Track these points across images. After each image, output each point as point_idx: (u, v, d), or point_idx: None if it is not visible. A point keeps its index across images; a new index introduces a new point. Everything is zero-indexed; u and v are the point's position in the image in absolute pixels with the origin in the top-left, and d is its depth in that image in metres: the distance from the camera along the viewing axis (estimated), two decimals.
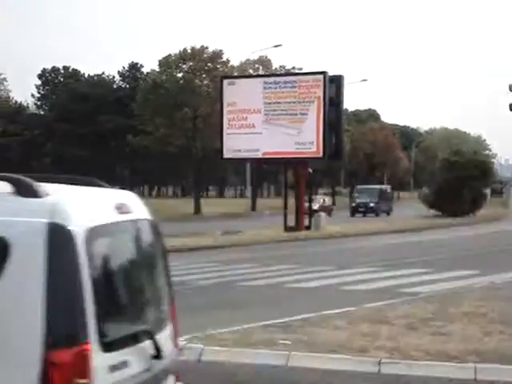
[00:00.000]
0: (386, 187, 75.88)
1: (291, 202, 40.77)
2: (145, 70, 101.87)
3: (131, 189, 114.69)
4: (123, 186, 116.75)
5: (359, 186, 75.38)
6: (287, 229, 38.35)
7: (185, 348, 9.70)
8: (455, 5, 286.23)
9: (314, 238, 35.32)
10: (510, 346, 9.61)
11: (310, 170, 41.62)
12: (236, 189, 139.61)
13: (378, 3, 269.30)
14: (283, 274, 19.61)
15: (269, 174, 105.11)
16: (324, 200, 64.61)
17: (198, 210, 68.47)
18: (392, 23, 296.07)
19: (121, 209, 4.45)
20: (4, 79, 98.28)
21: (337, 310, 12.53)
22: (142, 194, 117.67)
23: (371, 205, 65.96)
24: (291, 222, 38.93)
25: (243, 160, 48.12)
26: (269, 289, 16.94)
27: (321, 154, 38.20)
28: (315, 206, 51.75)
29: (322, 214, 41.30)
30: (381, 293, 15.60)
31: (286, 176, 43.84)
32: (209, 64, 70.23)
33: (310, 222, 39.28)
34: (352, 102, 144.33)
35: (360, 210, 65.61)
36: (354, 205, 68.06)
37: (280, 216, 41.74)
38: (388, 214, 66.45)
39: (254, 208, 74.48)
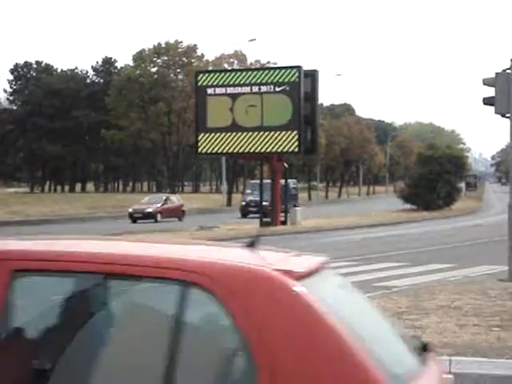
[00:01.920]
0: (289, 182, 63.22)
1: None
2: (119, 64, 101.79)
3: (105, 184, 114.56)
4: (98, 181, 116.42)
5: (252, 181, 65.46)
6: (263, 224, 38.43)
7: None
8: (428, 2, 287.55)
9: (290, 232, 35.39)
10: (484, 338, 9.69)
11: (286, 165, 41.70)
12: (212, 184, 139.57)
13: None
14: None
15: (244, 168, 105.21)
16: (167, 200, 51.92)
17: None
18: (366, 18, 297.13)
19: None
20: None
21: None
22: (115, 190, 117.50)
23: (265, 203, 52.31)
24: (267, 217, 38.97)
25: (218, 155, 48.09)
26: None
27: (296, 149, 38.31)
28: (150, 209, 48.85)
29: (299, 209, 41.33)
30: (355, 286, 15.63)
31: (261, 171, 43.94)
32: (183, 59, 70.34)
33: (285, 217, 39.36)
34: (327, 96, 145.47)
35: (251, 209, 53.46)
36: (243, 203, 55.63)
37: None
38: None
39: (229, 203, 74.51)
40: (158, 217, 48.64)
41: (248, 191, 58.22)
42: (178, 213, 50.53)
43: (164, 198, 52.36)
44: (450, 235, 33.95)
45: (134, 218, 48.38)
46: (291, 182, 56.49)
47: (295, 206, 51.21)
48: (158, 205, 49.66)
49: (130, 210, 49.50)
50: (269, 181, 58.95)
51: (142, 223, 45.95)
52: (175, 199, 53.06)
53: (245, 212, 54.02)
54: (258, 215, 48.01)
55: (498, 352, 8.89)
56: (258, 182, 58.48)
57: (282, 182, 54.40)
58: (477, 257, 22.32)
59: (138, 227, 40.60)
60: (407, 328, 10.38)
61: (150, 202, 50.89)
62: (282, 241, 31.14)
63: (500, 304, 12.42)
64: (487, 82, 15.79)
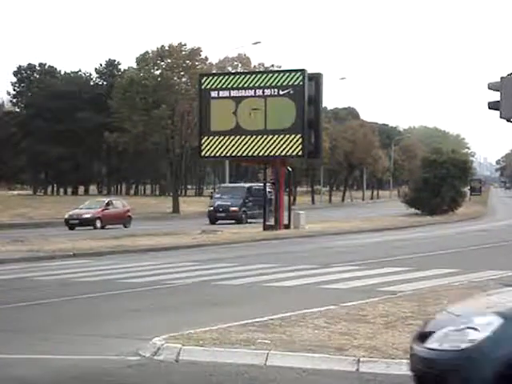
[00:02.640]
0: (261, 185, 54.53)
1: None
2: (122, 67, 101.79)
3: (108, 187, 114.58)
4: (101, 184, 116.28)
5: (223, 184, 61.06)
6: (266, 227, 38.34)
7: (162, 348, 9.63)
8: (433, 5, 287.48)
9: (293, 236, 35.31)
10: None
11: (289, 169, 41.62)
12: (215, 187, 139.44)
13: (357, 2, 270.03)
14: (262, 273, 19.54)
15: (248, 172, 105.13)
16: (109, 205, 46.85)
17: (176, 208, 68.31)
18: (370, 21, 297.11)
19: None
20: None
21: (316, 309, 12.47)
22: (119, 193, 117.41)
23: (233, 208, 50.20)
24: (270, 220, 38.89)
25: (222, 158, 47.98)
26: (248, 288, 16.87)
27: (300, 152, 38.22)
28: (88, 214, 44.51)
29: (302, 213, 41.23)
30: (360, 291, 15.57)
31: (265, 174, 43.81)
32: (187, 61, 70.11)
33: (289, 220, 39.28)
34: (331, 100, 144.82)
35: (220, 215, 49.82)
36: (211, 208, 50.85)
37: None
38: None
39: None
40: (98, 223, 44.14)
41: (217, 195, 53.81)
42: (122, 219, 46.07)
43: (105, 202, 47.52)
44: (454, 240, 33.81)
45: (70, 224, 44.03)
46: (268, 186, 52.24)
47: (271, 210, 47.54)
48: (98, 210, 45.28)
49: (66, 215, 45.24)
50: (240, 184, 58.73)
51: (113, 229, 42.47)
52: (119, 204, 48.25)
53: (213, 218, 49.65)
54: (227, 221, 47.97)
55: None
56: (227, 185, 58.25)
57: (255, 185, 53.01)
58: (482, 262, 22.19)
59: (136, 231, 40.42)
60: (412, 333, 10.28)
61: (90, 206, 46.29)
62: (285, 245, 31.09)
63: None
64: (492, 87, 15.67)
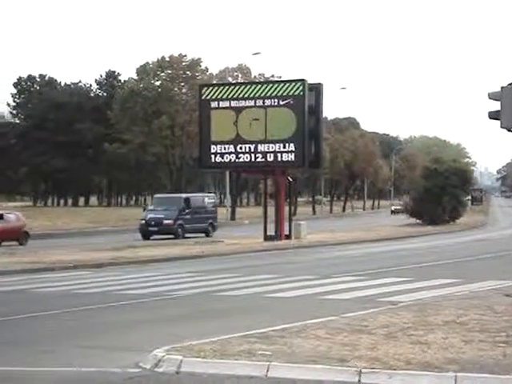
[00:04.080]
0: (203, 196, 52.17)
1: (271, 211, 40.69)
2: (122, 78, 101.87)
3: (108, 198, 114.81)
4: (101, 195, 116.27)
5: (157, 195, 54.83)
6: (267, 238, 38.30)
7: (163, 360, 9.59)
8: (433, 16, 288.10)
9: (294, 247, 35.29)
10: (490, 354, 9.56)
11: (290, 179, 41.59)
12: (216, 198, 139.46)
13: (357, 13, 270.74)
14: (263, 284, 19.50)
15: (248, 182, 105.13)
16: (1, 218, 39.47)
17: None
18: (371, 32, 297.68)
19: None
20: None
21: (317, 320, 12.43)
22: (119, 204, 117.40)
23: (166, 222, 44.34)
24: (271, 231, 38.87)
25: (222, 168, 47.92)
26: (248, 299, 16.83)
27: (300, 163, 38.23)
28: None
29: (303, 223, 41.19)
30: (361, 302, 15.53)
31: (265, 184, 43.79)
32: (187, 72, 70.32)
33: (290, 231, 39.22)
34: (331, 110, 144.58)
35: (152, 229, 44.05)
36: (143, 222, 44.90)
37: (260, 225, 41.69)
38: (207, 234, 45.93)
39: (233, 217, 74.46)
40: None
41: (150, 207, 48.53)
42: (15, 235, 39.49)
43: None
44: (455, 250, 33.77)
45: None
46: (207, 198, 50.30)
47: (213, 224, 46.83)
48: None
49: None
50: (177, 194, 52.43)
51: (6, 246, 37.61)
52: (13, 217, 40.98)
53: (145, 232, 44.15)
54: (162, 236, 43.12)
55: (504, 368, 8.77)
56: (162, 195, 53.22)
57: (195, 196, 48.90)
58: (483, 272, 22.16)
59: (136, 243, 40.33)
60: (413, 344, 10.26)
61: None
62: (286, 255, 31.05)
63: (506, 320, 12.29)
64: (492, 96, 15.65)
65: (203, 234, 45.44)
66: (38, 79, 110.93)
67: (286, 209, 40.23)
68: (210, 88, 40.64)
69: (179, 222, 44.56)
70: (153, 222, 44.03)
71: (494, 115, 15.67)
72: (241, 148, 38.16)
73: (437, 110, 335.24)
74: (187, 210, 45.28)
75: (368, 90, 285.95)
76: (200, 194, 53.42)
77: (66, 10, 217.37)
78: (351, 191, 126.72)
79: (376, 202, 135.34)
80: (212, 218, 47.44)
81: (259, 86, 40.43)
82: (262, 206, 46.04)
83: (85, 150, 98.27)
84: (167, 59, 70.00)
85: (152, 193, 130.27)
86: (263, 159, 37.92)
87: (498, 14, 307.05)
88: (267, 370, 9.06)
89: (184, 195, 49.37)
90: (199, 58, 70.83)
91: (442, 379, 8.53)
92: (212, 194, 53.30)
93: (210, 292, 18.03)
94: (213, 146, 38.74)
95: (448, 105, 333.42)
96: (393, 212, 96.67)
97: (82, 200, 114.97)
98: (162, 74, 70.37)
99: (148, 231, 44.04)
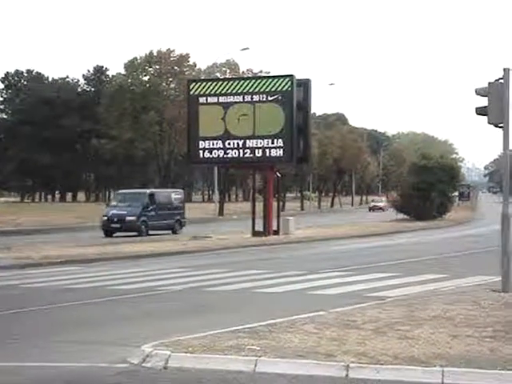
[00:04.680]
0: (170, 192, 49.34)
1: (259, 206, 40.73)
2: (110, 73, 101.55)
3: (96, 194, 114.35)
4: (89, 191, 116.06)
5: (120, 190, 52.08)
6: (255, 233, 38.33)
7: (151, 355, 9.60)
8: (421, 11, 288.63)
9: (282, 242, 35.31)
10: (477, 349, 9.62)
11: (278, 174, 41.59)
12: (204, 193, 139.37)
13: (344, 8, 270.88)
14: (251, 279, 19.53)
15: (237, 178, 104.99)
16: None
17: None
18: (359, 27, 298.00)
19: None
20: None
21: (305, 315, 12.47)
22: (107, 199, 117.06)
23: (129, 218, 42.54)
24: (259, 226, 38.89)
25: (210, 164, 47.86)
26: (237, 294, 16.85)
27: (289, 158, 38.25)
28: None
29: (291, 219, 41.25)
30: (349, 297, 15.58)
31: (254, 180, 43.80)
32: (175, 67, 70.21)
33: (278, 226, 39.25)
34: (320, 105, 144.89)
35: (114, 225, 42.15)
36: (105, 218, 42.84)
37: (248, 220, 41.70)
38: (174, 231, 44.43)
39: (221, 213, 74.46)
40: None
41: (113, 203, 46.36)
42: None
43: None
44: (442, 245, 33.88)
45: None
46: (174, 193, 47.77)
47: (180, 221, 45.17)
48: None
49: None
50: (141, 190, 50.56)
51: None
52: None
53: (107, 229, 42.27)
54: (125, 234, 41.21)
55: (491, 363, 8.82)
56: (125, 191, 50.15)
57: (160, 191, 46.65)
58: (470, 267, 22.24)
59: (123, 238, 40.34)
60: (400, 339, 10.31)
61: None
62: (274, 251, 31.08)
63: (493, 315, 12.35)
64: (480, 92, 15.72)
65: (170, 231, 43.87)
66: (26, 74, 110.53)
67: (275, 204, 40.24)
68: (199, 83, 40.60)
69: (143, 218, 42.68)
70: (115, 219, 42.20)
71: (481, 111, 15.73)
72: (229, 143, 38.16)
73: (424, 106, 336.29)
74: (151, 207, 43.53)
75: (356, 86, 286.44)
76: (166, 190, 50.91)
77: (54, 5, 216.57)
78: (339, 187, 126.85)
79: (364, 198, 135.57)
80: (179, 214, 45.73)
81: (247, 81, 40.41)
82: (251, 202, 45.68)
83: (72, 146, 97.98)
84: (155, 54, 69.90)
85: (140, 188, 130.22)
86: (251, 155, 37.92)
87: (486, 11, 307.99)
88: (255, 365, 9.09)
89: (148, 190, 47.44)
90: (187, 54, 70.89)
91: (429, 374, 8.58)
92: (180, 190, 49.91)
93: (199, 287, 18.04)
94: (201, 142, 38.72)
95: (435, 101, 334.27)
96: (371, 209, 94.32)
97: (69, 196, 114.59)
98: (150, 69, 70.27)
99: (110, 228, 42.23)
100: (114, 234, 41.58)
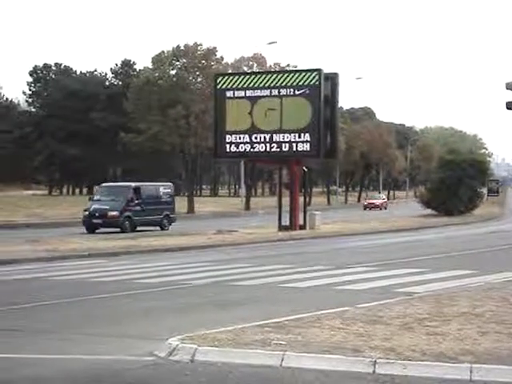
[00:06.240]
0: (158, 186, 46.37)
1: (286, 201, 40.66)
2: (137, 67, 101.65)
3: None
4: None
5: (105, 184, 48.95)
6: (281, 228, 38.27)
7: (178, 348, 9.60)
8: (451, 5, 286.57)
9: (309, 237, 35.25)
10: (506, 346, 9.51)
11: (305, 169, 41.49)
12: (230, 187, 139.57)
13: (373, 2, 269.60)
14: (277, 274, 19.50)
15: (263, 172, 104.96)
16: None
17: (191, 208, 68.37)
18: (387, 21, 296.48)
19: None
20: None
21: (331, 310, 12.41)
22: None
23: (111, 213, 40.19)
24: (286, 221, 38.83)
25: (237, 158, 47.85)
26: (263, 288, 16.82)
27: (316, 152, 38.14)
28: None
29: (318, 213, 41.16)
30: (376, 292, 15.49)
31: (280, 174, 43.74)
32: (202, 61, 70.06)
33: (304, 221, 39.17)
34: (347, 99, 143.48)
35: (96, 221, 40.22)
36: (86, 213, 40.81)
37: (274, 215, 41.67)
38: (162, 227, 42.41)
39: (248, 207, 74.46)
40: None
41: (96, 197, 43.27)
42: None
43: None
44: (471, 241, 33.63)
45: None
46: (162, 187, 45.24)
47: (169, 217, 43.25)
48: None
49: None
50: (125, 183, 47.28)
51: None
52: None
53: (89, 225, 40.33)
54: (109, 229, 39.37)
55: None
56: (109, 184, 48.43)
57: (146, 185, 43.86)
58: (499, 263, 22.07)
59: (149, 232, 40.44)
60: (428, 335, 10.22)
61: None
62: (301, 245, 31.03)
63: None
64: (510, 87, 15.56)
65: (158, 228, 42.06)
66: (54, 68, 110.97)
67: (301, 199, 40.18)
68: (226, 77, 40.58)
69: (126, 213, 40.49)
70: (97, 214, 40.10)
71: (511, 105, 15.57)
72: (256, 138, 38.11)
73: (452, 100, 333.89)
74: (137, 201, 41.31)
75: (384, 80, 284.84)
76: (154, 184, 47.74)
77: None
78: (366, 182, 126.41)
79: (391, 193, 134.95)
80: (168, 209, 43.46)
81: (275, 75, 40.34)
82: (277, 196, 45.50)
83: (100, 139, 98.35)
84: (182, 48, 69.88)
85: (167, 181, 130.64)
86: (278, 149, 37.85)
87: None
88: (282, 360, 9.05)
89: (133, 184, 43.95)
90: (214, 47, 70.61)
91: (457, 370, 8.50)
92: (169, 184, 47.02)
93: (225, 281, 18.03)
94: (228, 136, 38.71)
95: (464, 95, 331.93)
96: (366, 207, 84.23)
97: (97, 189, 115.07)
98: (177, 63, 70.22)
99: (92, 223, 40.21)
100: (97, 230, 39.77)
